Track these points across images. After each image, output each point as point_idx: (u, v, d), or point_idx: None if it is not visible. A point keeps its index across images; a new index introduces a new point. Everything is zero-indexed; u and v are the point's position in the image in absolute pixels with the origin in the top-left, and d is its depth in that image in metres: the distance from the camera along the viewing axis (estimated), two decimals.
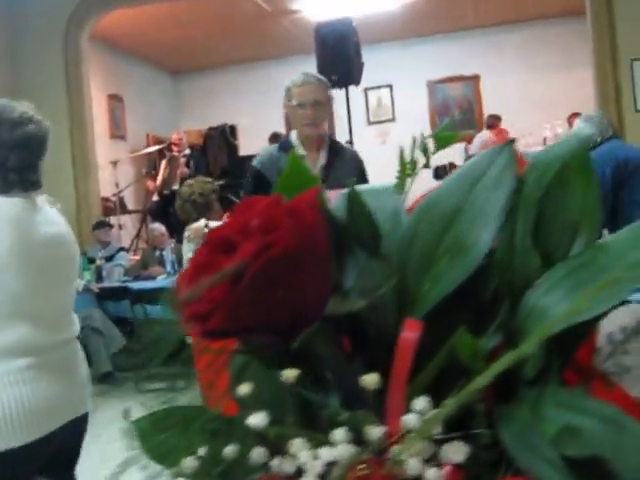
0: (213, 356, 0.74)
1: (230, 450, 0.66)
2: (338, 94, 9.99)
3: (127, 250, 9.93)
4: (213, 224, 5.24)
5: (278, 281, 0.62)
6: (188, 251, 5.19)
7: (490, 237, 0.69)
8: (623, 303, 0.66)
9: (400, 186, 0.96)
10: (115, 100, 12.22)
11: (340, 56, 9.51)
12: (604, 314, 0.65)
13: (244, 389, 0.68)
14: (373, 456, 0.60)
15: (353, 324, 0.71)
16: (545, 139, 11.14)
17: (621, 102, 9.13)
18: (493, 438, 0.62)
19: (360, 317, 0.69)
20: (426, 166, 1.65)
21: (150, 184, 11.42)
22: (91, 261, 9.05)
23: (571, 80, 11.79)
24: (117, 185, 10.76)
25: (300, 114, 4.20)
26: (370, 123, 13.76)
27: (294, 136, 4.29)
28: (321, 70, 9.62)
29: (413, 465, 0.59)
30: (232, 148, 13.05)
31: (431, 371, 0.66)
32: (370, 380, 0.63)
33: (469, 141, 11.94)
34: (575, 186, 0.71)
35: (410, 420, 0.60)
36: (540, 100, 12.18)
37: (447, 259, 0.70)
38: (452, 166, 11.26)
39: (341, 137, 10.55)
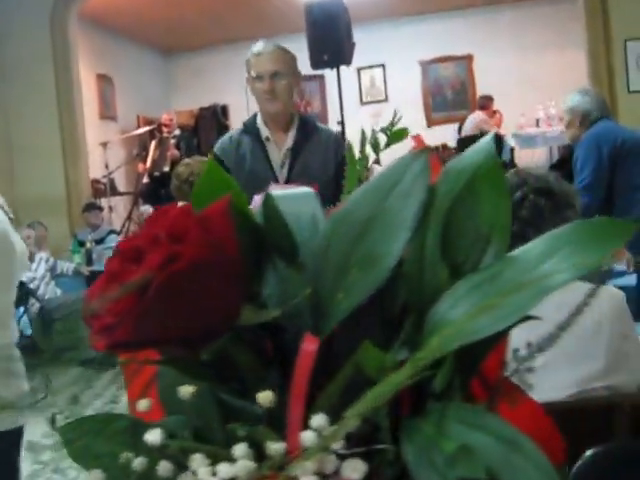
0: (137, 366, 0.74)
1: (138, 462, 0.64)
2: (330, 74, 9.98)
3: (118, 233, 9.88)
4: None
5: (185, 292, 0.61)
6: None
7: (400, 248, 0.67)
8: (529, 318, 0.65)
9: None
10: (105, 80, 12.13)
11: (331, 36, 9.46)
12: (508, 328, 0.62)
13: (144, 404, 0.68)
14: (273, 472, 0.59)
15: (273, 334, 0.70)
16: (538, 120, 11.11)
17: (614, 83, 9.11)
18: (398, 454, 0.61)
19: (279, 327, 0.69)
20: (377, 162, 1.65)
21: (140, 166, 11.37)
22: (81, 244, 9.05)
23: (564, 60, 11.72)
24: (107, 167, 10.70)
25: (258, 87, 3.64)
26: (363, 103, 13.72)
27: (258, 115, 3.77)
28: (312, 50, 9.59)
29: None
30: (223, 128, 12.97)
31: (337, 385, 0.65)
32: (264, 398, 0.62)
33: (461, 122, 11.92)
34: (486, 197, 0.69)
35: (307, 436, 0.59)
36: (533, 80, 12.13)
37: (358, 269, 0.68)
38: (445, 148, 11.24)
39: (333, 118, 10.54)
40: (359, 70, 13.32)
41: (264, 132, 3.65)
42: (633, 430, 2.02)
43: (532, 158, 11.17)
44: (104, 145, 10.71)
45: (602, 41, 9.46)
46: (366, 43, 12.45)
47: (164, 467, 0.63)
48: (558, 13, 11.78)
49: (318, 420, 0.59)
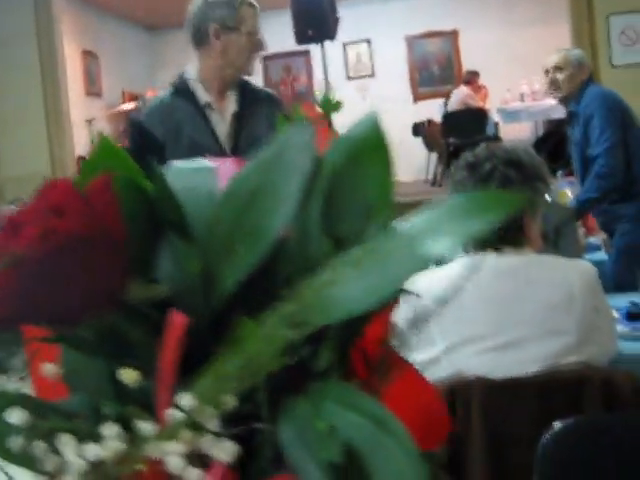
0: (38, 345, 0.71)
1: (15, 442, 0.61)
2: (316, 50, 9.99)
3: None
4: None
5: (62, 266, 0.59)
6: None
7: (283, 221, 0.66)
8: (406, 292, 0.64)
9: None
10: (90, 56, 12.07)
11: (315, 11, 9.44)
12: (386, 300, 0.60)
13: (49, 369, 0.66)
14: (143, 453, 0.58)
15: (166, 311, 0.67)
16: (522, 95, 11.13)
17: (597, 58, 9.09)
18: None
19: (172, 304, 0.66)
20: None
21: (126, 142, 11.33)
22: None
23: (549, 36, 11.70)
24: (93, 143, 10.64)
25: (247, 44, 3.20)
26: (349, 78, 13.69)
27: (193, 74, 3.23)
28: (296, 25, 9.60)
29: (174, 462, 0.56)
30: None
31: (216, 362, 0.62)
32: (128, 376, 0.61)
33: (447, 97, 11.93)
34: (371, 170, 0.68)
35: (173, 415, 0.58)
36: (518, 56, 12.13)
37: (243, 244, 0.67)
38: (430, 123, 11.26)
39: (319, 92, 10.56)
40: (345, 45, 13.27)
41: (203, 97, 3.15)
42: (604, 404, 2.03)
43: (517, 133, 11.20)
44: (89, 122, 10.68)
45: (586, 16, 9.47)
46: (352, 19, 12.42)
47: (38, 447, 0.60)
48: None
49: (185, 399, 0.58)
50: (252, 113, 3.21)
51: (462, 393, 2.05)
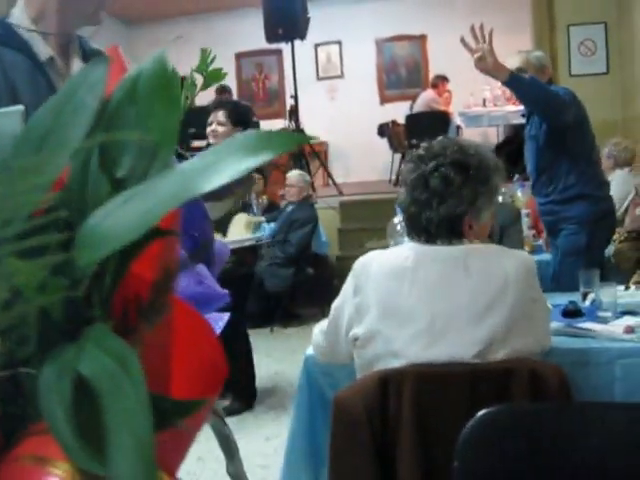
0: None
1: None
2: (288, 49, 10.18)
3: None
4: None
5: None
6: None
7: (64, 162, 0.62)
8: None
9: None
10: None
11: (286, 10, 9.68)
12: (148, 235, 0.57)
13: None
14: None
15: None
16: (485, 100, 11.39)
17: (557, 67, 9.34)
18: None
19: None
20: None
21: None
22: None
23: (512, 43, 11.94)
24: None
25: None
26: (319, 79, 13.89)
27: (23, 20, 2.14)
28: (267, 23, 9.80)
29: None
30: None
31: None
32: None
33: (414, 100, 12.18)
34: (155, 108, 0.65)
35: None
36: None
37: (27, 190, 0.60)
38: (395, 124, 11.51)
39: (290, 92, 10.74)
40: (316, 46, 13.48)
41: (44, 51, 2.16)
42: (531, 395, 2.09)
43: (479, 137, 11.47)
44: None
45: (547, 26, 9.75)
46: (324, 20, 12.62)
47: None
48: None
49: None
50: None
51: (394, 382, 2.10)
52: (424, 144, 2.44)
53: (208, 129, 5.09)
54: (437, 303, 2.23)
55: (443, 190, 2.30)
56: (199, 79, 1.62)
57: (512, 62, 4.59)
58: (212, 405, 0.85)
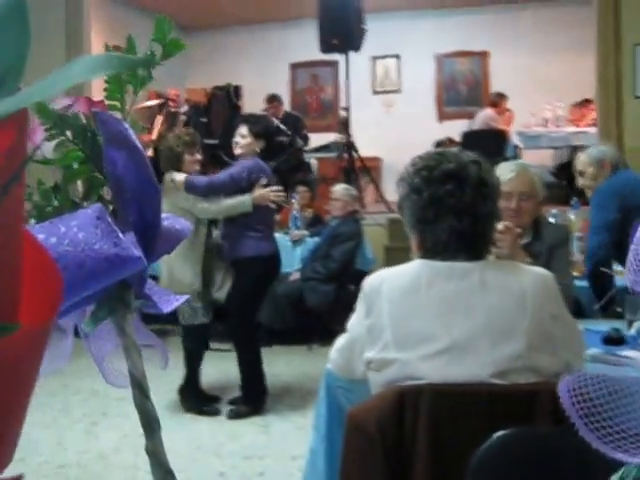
0: None
1: None
2: (344, 61, 9.98)
3: None
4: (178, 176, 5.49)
5: None
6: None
7: None
8: None
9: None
10: (118, 52, 12.11)
11: (341, 20, 9.52)
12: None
13: None
14: None
15: None
16: (546, 120, 11.05)
17: (621, 87, 9.02)
18: None
19: None
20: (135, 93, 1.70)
21: (145, 137, 11.37)
22: None
23: (576, 63, 11.65)
24: None
25: None
26: (376, 92, 13.69)
27: None
28: (322, 33, 9.65)
29: None
30: (235, 109, 12.97)
31: None
32: None
33: (472, 117, 11.87)
34: (4, 35, 0.66)
35: None
36: (545, 81, 12.07)
37: None
38: (450, 141, 11.21)
39: (343, 103, 10.54)
40: (374, 59, 13.32)
41: None
42: (552, 418, 1.99)
43: (538, 158, 11.10)
44: None
45: (612, 45, 9.40)
46: (383, 33, 12.45)
47: None
48: (575, 16, 11.70)
49: None
50: None
51: (411, 398, 2.04)
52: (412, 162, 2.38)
53: (232, 141, 5.61)
54: (453, 321, 2.17)
55: (464, 195, 2.24)
56: (158, 49, 1.71)
57: (577, 163, 5.24)
58: (43, 339, 0.79)
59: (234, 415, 5.46)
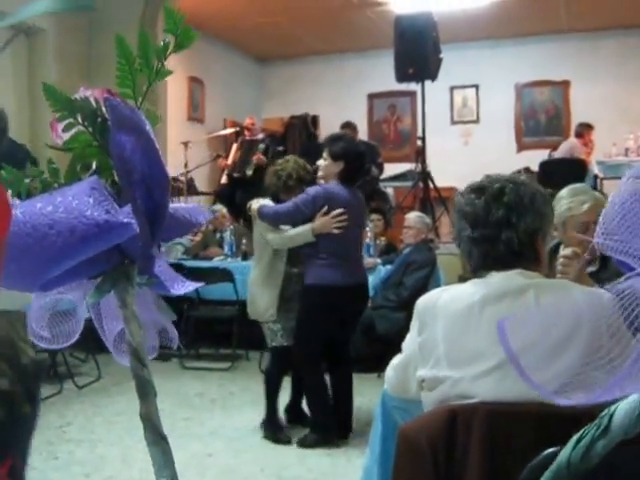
0: None
1: None
2: (420, 90, 9.93)
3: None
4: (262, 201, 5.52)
5: None
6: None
7: None
8: None
9: None
10: (195, 82, 12.38)
11: (417, 50, 9.51)
12: None
13: None
14: None
15: None
16: (627, 150, 10.79)
17: None
18: None
19: None
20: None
21: (222, 161, 11.49)
22: None
23: None
24: (186, 166, 10.81)
25: None
26: (454, 122, 13.62)
27: None
28: (398, 62, 9.65)
29: None
30: (312, 137, 13.03)
31: None
32: None
33: (554, 148, 11.65)
34: None
35: None
36: (627, 110, 11.83)
37: None
38: (527, 171, 11.00)
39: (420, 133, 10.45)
40: (452, 89, 13.26)
41: None
42: None
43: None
44: (185, 144, 10.83)
45: None
46: (461, 63, 12.41)
47: None
48: None
49: None
50: None
51: (464, 417, 2.02)
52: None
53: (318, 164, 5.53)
54: None
55: (519, 203, 2.26)
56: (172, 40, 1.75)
57: None
58: None
59: (301, 444, 5.37)
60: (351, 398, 5.65)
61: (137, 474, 4.81)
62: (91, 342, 7.30)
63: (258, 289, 5.48)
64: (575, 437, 1.11)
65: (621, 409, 1.06)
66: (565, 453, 1.08)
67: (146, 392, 1.63)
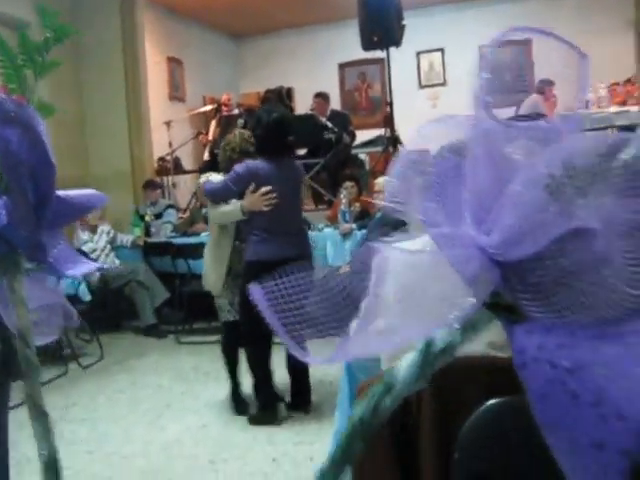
0: None
1: None
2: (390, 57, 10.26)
3: (177, 208, 10.36)
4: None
5: None
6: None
7: None
8: None
9: None
10: (175, 63, 12.68)
11: (380, 18, 9.72)
12: None
13: None
14: None
15: None
16: (587, 102, 11.18)
17: None
18: None
19: None
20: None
21: (203, 137, 11.64)
22: (142, 218, 9.60)
23: (615, 44, 11.78)
24: (170, 145, 11.11)
25: None
26: (422, 86, 13.96)
27: None
28: (362, 31, 9.89)
29: None
30: (288, 110, 13.30)
31: None
32: None
33: (518, 105, 12.04)
34: None
35: None
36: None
37: None
38: None
39: (393, 100, 10.79)
40: (418, 54, 13.60)
41: None
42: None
43: None
44: (167, 124, 11.15)
45: None
46: (426, 27, 12.71)
47: None
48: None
49: None
50: None
51: None
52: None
53: None
54: None
55: None
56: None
57: None
58: None
59: (250, 421, 5.42)
60: (307, 371, 5.63)
61: (138, 448, 5.06)
62: (95, 323, 7.74)
63: (208, 263, 5.57)
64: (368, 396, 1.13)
65: (402, 367, 1.11)
66: (357, 412, 1.12)
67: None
